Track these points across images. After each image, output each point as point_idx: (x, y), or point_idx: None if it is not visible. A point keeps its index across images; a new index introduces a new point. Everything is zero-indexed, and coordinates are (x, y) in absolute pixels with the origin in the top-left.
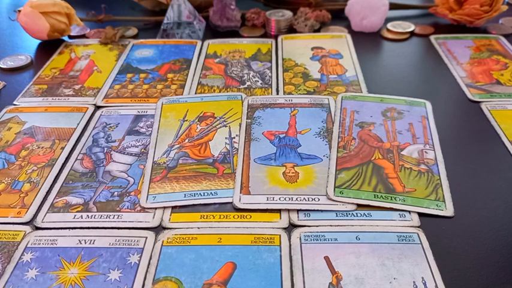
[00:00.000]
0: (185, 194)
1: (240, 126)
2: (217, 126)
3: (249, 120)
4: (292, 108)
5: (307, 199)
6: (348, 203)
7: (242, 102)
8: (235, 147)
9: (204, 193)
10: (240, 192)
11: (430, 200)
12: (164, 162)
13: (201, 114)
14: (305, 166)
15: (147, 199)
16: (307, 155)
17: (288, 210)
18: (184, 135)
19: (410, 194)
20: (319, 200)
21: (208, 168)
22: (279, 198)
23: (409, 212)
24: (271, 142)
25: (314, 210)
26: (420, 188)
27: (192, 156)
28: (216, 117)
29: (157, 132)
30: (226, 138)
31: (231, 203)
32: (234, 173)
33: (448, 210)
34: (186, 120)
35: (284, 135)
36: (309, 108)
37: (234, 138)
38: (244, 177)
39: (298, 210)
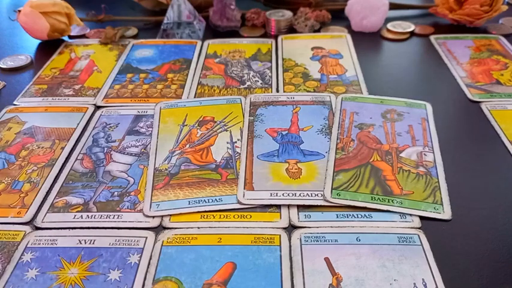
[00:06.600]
0: (189, 201)
1: (241, 129)
2: (217, 131)
3: (252, 118)
4: (294, 106)
5: (310, 195)
6: (345, 205)
7: (242, 105)
8: (237, 152)
9: (208, 199)
10: (244, 188)
11: (427, 203)
12: (166, 169)
13: (201, 119)
14: (308, 162)
15: (150, 207)
16: (309, 152)
17: (289, 211)
18: (185, 140)
19: (407, 197)
20: (322, 195)
21: (212, 174)
22: (282, 194)
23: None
24: (274, 139)
25: (317, 205)
26: (418, 190)
27: (194, 162)
28: (216, 122)
29: (157, 137)
30: (227, 142)
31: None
32: (238, 178)
33: (446, 213)
34: (186, 125)
35: (286, 132)
36: (310, 105)
37: (236, 142)
38: (248, 174)
39: (298, 212)
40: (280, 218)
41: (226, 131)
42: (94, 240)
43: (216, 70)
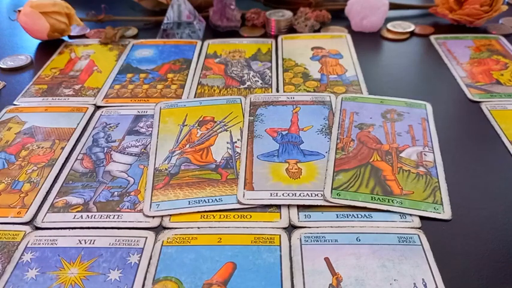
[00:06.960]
0: (189, 201)
1: (241, 129)
2: (217, 131)
3: (252, 118)
4: (294, 106)
5: (310, 195)
6: (345, 205)
7: (242, 105)
8: (237, 152)
9: (208, 199)
10: (244, 188)
11: (427, 203)
12: (166, 169)
13: (201, 119)
14: (308, 162)
15: (150, 207)
16: (309, 152)
17: (289, 211)
18: (185, 140)
19: (407, 197)
20: (322, 195)
21: (212, 174)
22: (282, 194)
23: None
24: (274, 139)
25: (317, 205)
26: (418, 190)
27: (194, 162)
28: (216, 122)
29: (157, 137)
30: (227, 142)
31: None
32: (238, 178)
33: (446, 213)
34: (186, 125)
35: (286, 132)
36: (310, 105)
37: (236, 142)
38: (248, 174)
39: (298, 212)
40: (280, 218)
41: (226, 131)
42: (94, 240)
43: (216, 70)
